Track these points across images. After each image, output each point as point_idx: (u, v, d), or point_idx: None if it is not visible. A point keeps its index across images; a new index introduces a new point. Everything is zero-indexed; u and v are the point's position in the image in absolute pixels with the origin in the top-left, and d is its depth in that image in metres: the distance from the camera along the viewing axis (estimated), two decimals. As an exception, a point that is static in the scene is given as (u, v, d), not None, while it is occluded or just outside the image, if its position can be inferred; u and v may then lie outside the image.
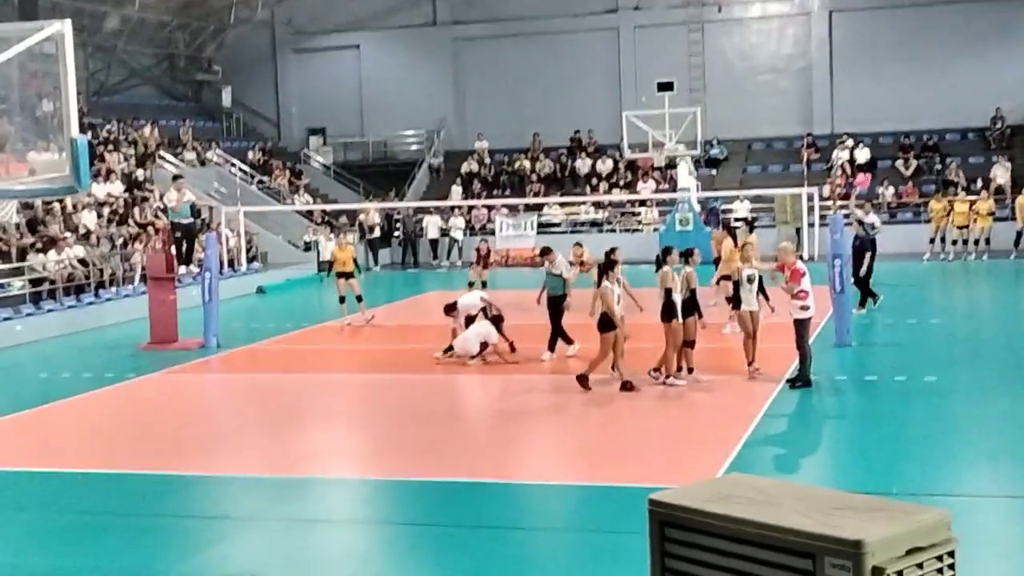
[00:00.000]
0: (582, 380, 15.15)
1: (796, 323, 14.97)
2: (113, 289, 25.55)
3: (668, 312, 15.23)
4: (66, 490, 11.70)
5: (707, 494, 4.91)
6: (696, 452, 12.31)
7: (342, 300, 22.68)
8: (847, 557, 4.33)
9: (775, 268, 15.56)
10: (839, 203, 33.04)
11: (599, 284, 15.23)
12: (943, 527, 4.64)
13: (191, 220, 22.72)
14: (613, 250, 16.36)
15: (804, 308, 14.90)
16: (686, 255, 16.04)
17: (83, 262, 25.37)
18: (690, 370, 15.63)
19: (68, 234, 25.95)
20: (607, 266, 15.41)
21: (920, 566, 4.45)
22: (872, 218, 27.22)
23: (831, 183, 35.62)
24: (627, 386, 15.01)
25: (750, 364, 15.69)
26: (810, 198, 30.13)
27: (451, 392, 16.23)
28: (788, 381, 15.07)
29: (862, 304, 21.60)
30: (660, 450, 12.52)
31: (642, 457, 12.24)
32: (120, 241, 27.68)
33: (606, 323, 14.94)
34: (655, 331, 15.58)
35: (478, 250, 24.96)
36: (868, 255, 21.72)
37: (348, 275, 22.67)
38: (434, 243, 37.00)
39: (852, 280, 20.84)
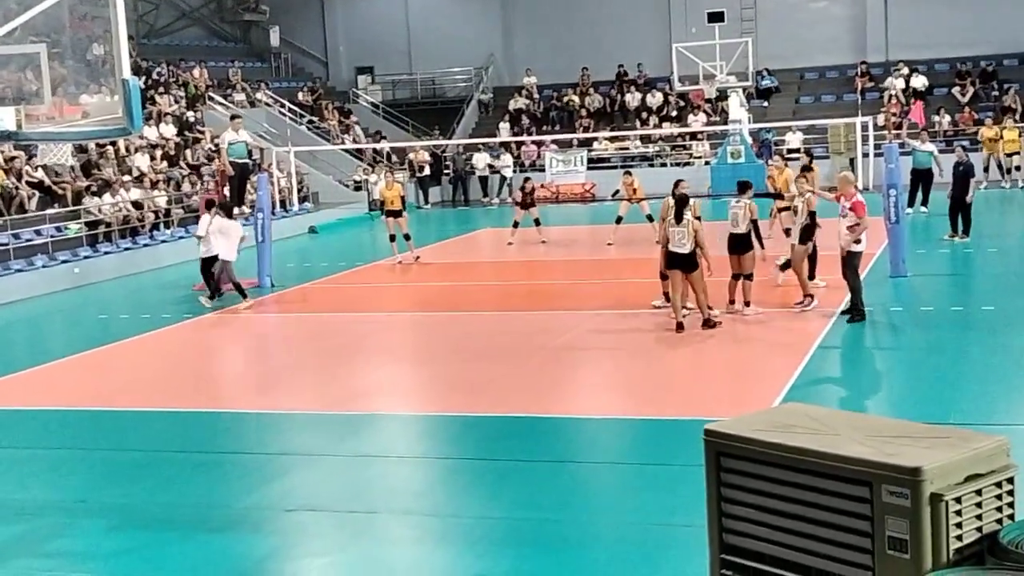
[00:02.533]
0: (708, 324, 14.75)
1: (847, 255, 14.60)
2: (168, 231, 25.81)
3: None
4: (128, 428, 11.92)
5: (763, 424, 4.90)
6: (751, 385, 12.30)
7: (392, 239, 22.77)
8: (905, 484, 4.31)
9: (833, 198, 15.36)
10: (895, 132, 32.56)
11: (679, 220, 14.74)
12: (1002, 454, 4.61)
13: (246, 161, 22.84)
14: (678, 183, 16.27)
15: (857, 241, 14.59)
16: (742, 188, 15.89)
17: (137, 204, 25.62)
18: (747, 303, 15.52)
19: (126, 177, 26.20)
20: (682, 202, 14.77)
21: (979, 492, 4.43)
22: (929, 146, 26.87)
23: (886, 111, 35.05)
24: (709, 323, 14.74)
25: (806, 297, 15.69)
26: (864, 128, 29.69)
27: (504, 328, 16.27)
28: (843, 312, 14.93)
29: (966, 231, 21.27)
30: (715, 383, 12.52)
31: (697, 390, 12.25)
32: (172, 184, 27.92)
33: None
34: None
35: (521, 189, 24.94)
36: (972, 181, 21.49)
37: (396, 213, 22.72)
38: (483, 180, 36.94)
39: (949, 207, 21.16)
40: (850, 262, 14.63)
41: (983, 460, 4.49)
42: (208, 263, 18.99)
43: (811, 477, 4.55)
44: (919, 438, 4.67)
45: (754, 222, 15.45)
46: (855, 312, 14.70)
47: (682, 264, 14.51)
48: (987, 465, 4.50)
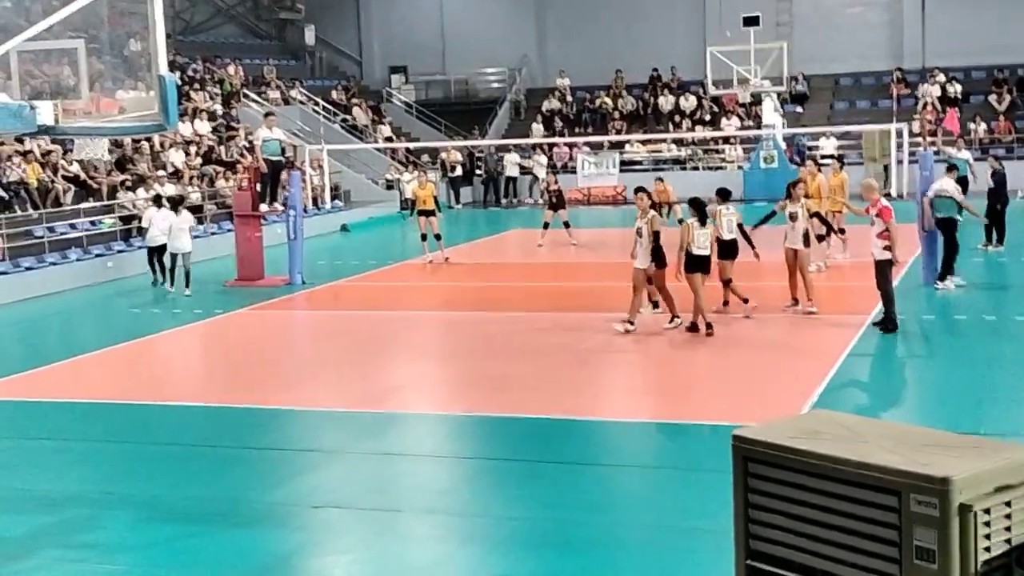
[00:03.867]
0: (693, 328, 14.97)
1: (878, 264, 14.37)
2: (201, 227, 25.98)
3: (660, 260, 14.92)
4: (157, 422, 12.00)
5: (791, 430, 4.87)
6: (780, 391, 12.24)
7: (423, 238, 22.81)
8: (933, 494, 4.27)
9: (863, 211, 15.17)
10: (930, 139, 32.32)
11: (703, 222, 14.86)
12: (1033, 466, 4.56)
13: (279, 158, 22.95)
14: (658, 180, 16.61)
15: (886, 248, 14.28)
16: (724, 195, 16.01)
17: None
18: (725, 303, 15.80)
19: (161, 172, 26.37)
20: (701, 204, 15.06)
21: (1008, 504, 4.38)
22: (965, 154, 26.67)
23: (920, 118, 34.82)
24: (695, 327, 14.93)
25: (793, 300, 15.90)
26: (899, 134, 29.49)
27: (531, 329, 16.27)
28: (874, 324, 14.73)
29: (1000, 240, 21.10)
30: (744, 388, 12.46)
31: (726, 395, 12.20)
32: (206, 180, 28.09)
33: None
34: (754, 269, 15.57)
35: (547, 190, 24.97)
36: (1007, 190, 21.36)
37: (429, 213, 22.75)
38: (512, 180, 36.91)
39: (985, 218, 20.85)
40: (882, 270, 14.36)
41: (1014, 471, 4.44)
42: (155, 252, 20.96)
43: (839, 485, 4.51)
44: (949, 447, 4.63)
45: (740, 226, 15.62)
46: (887, 322, 14.49)
47: (705, 265, 14.72)
48: (1018, 476, 4.45)
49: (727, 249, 15.55)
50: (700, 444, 10.34)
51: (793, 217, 15.85)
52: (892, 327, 14.42)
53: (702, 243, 14.72)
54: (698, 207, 14.94)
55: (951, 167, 18.71)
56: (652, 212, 15.11)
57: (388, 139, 38.13)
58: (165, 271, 20.73)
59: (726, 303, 15.91)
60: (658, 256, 14.87)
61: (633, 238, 15.08)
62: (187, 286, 20.02)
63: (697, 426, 11.00)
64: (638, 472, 10.02)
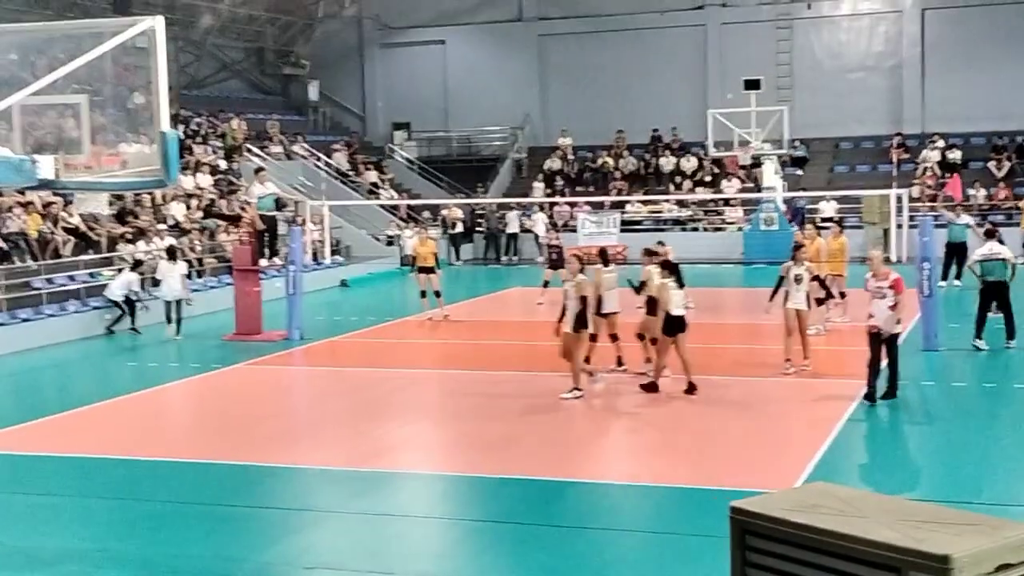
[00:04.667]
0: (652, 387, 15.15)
1: (889, 338, 13.96)
2: (201, 279, 25.98)
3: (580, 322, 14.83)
4: (149, 478, 11.90)
5: (790, 503, 4.83)
6: (777, 457, 12.15)
7: (423, 295, 22.77)
8: (934, 572, 4.23)
9: (883, 289, 14.10)
10: (929, 204, 32.42)
11: (681, 285, 15.04)
12: (1034, 544, 4.51)
13: (274, 213, 22.98)
14: (649, 250, 16.92)
15: (897, 321, 14.05)
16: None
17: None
18: (648, 360, 15.91)
19: (161, 226, 26.43)
20: (674, 266, 15.33)
21: (1009, 583, 4.33)
22: (965, 219, 26.77)
23: (920, 183, 34.96)
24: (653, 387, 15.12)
25: (787, 360, 15.95)
26: (899, 199, 29.62)
27: (529, 389, 16.20)
28: (881, 397, 14.08)
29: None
30: (741, 454, 12.37)
31: (723, 460, 12.11)
32: (206, 233, 28.13)
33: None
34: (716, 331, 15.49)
35: (548, 247, 25.12)
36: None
37: (429, 270, 22.74)
38: (513, 237, 36.96)
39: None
40: (893, 344, 14.05)
41: (1015, 550, 4.40)
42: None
43: (838, 560, 4.47)
44: (949, 524, 4.58)
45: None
46: (891, 390, 14.16)
47: (682, 326, 14.83)
48: (1018, 555, 4.40)
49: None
50: (696, 509, 10.24)
51: (799, 279, 16.00)
52: (892, 394, 14.18)
53: (680, 303, 14.85)
54: (672, 268, 15.14)
55: (990, 232, 18.53)
56: (581, 276, 15.08)
57: (372, 189, 38.25)
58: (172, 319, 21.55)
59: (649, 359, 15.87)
60: (581, 320, 14.78)
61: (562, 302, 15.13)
62: (177, 333, 21.20)
63: (694, 490, 10.90)
64: (634, 536, 9.91)
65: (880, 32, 38.75)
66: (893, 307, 13.90)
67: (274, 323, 21.13)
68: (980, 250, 17.84)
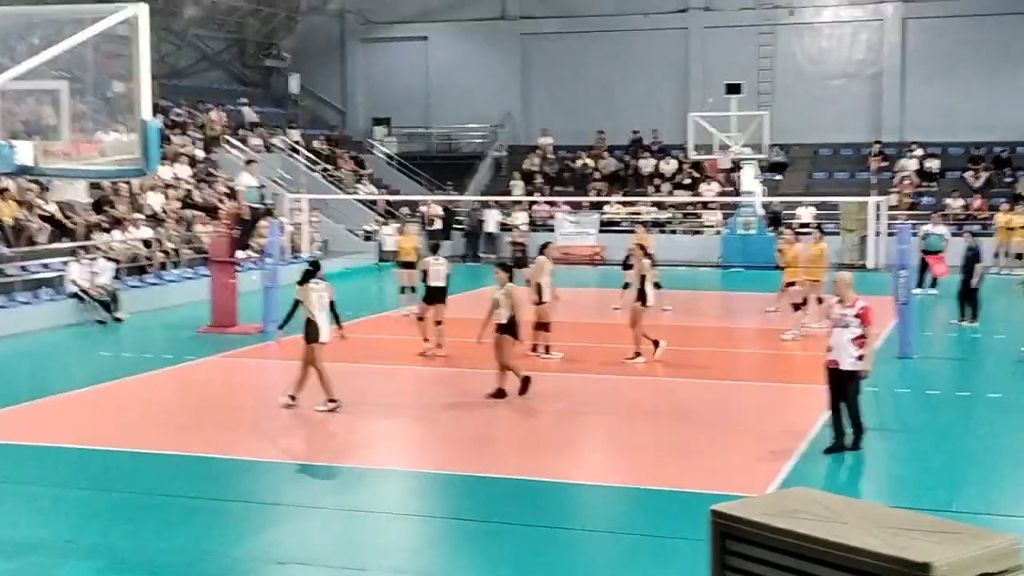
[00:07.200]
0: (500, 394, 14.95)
1: (846, 374, 11.72)
2: (176, 270, 25.80)
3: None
4: (120, 468, 11.80)
5: (771, 508, 4.80)
6: (753, 461, 12.13)
7: (402, 291, 22.66)
8: (914, 580, 4.21)
9: (847, 317, 11.80)
10: (907, 213, 32.57)
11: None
12: (1014, 553, 4.51)
13: (259, 205, 22.84)
14: (547, 245, 18.18)
15: (861, 357, 11.68)
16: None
17: (147, 243, 25.63)
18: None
19: (138, 215, 26.23)
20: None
21: (989, 592, 4.32)
22: (940, 229, 26.91)
23: (898, 191, 35.11)
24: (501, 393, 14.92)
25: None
26: (877, 207, 29.73)
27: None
28: (827, 450, 12.06)
29: (974, 317, 21.10)
30: (717, 456, 12.36)
31: (699, 461, 12.11)
32: (184, 224, 27.95)
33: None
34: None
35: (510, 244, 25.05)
36: (979, 266, 21.27)
37: (410, 265, 22.61)
38: (491, 237, 36.87)
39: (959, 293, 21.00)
40: (853, 382, 11.85)
41: (995, 559, 4.39)
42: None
43: (818, 566, 4.45)
44: (930, 532, 4.57)
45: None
46: (854, 439, 12.08)
47: (513, 331, 15.20)
48: (998, 564, 4.40)
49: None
50: (673, 511, 10.23)
51: None
52: (858, 442, 12.10)
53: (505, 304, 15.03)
54: (506, 269, 15.50)
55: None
56: (510, 285, 15.21)
57: (349, 183, 38.10)
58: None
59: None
60: (511, 327, 14.96)
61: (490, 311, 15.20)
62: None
63: (670, 492, 10.89)
64: (608, 538, 9.88)
65: (862, 40, 38.88)
66: (856, 340, 11.69)
67: (250, 316, 20.99)
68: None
